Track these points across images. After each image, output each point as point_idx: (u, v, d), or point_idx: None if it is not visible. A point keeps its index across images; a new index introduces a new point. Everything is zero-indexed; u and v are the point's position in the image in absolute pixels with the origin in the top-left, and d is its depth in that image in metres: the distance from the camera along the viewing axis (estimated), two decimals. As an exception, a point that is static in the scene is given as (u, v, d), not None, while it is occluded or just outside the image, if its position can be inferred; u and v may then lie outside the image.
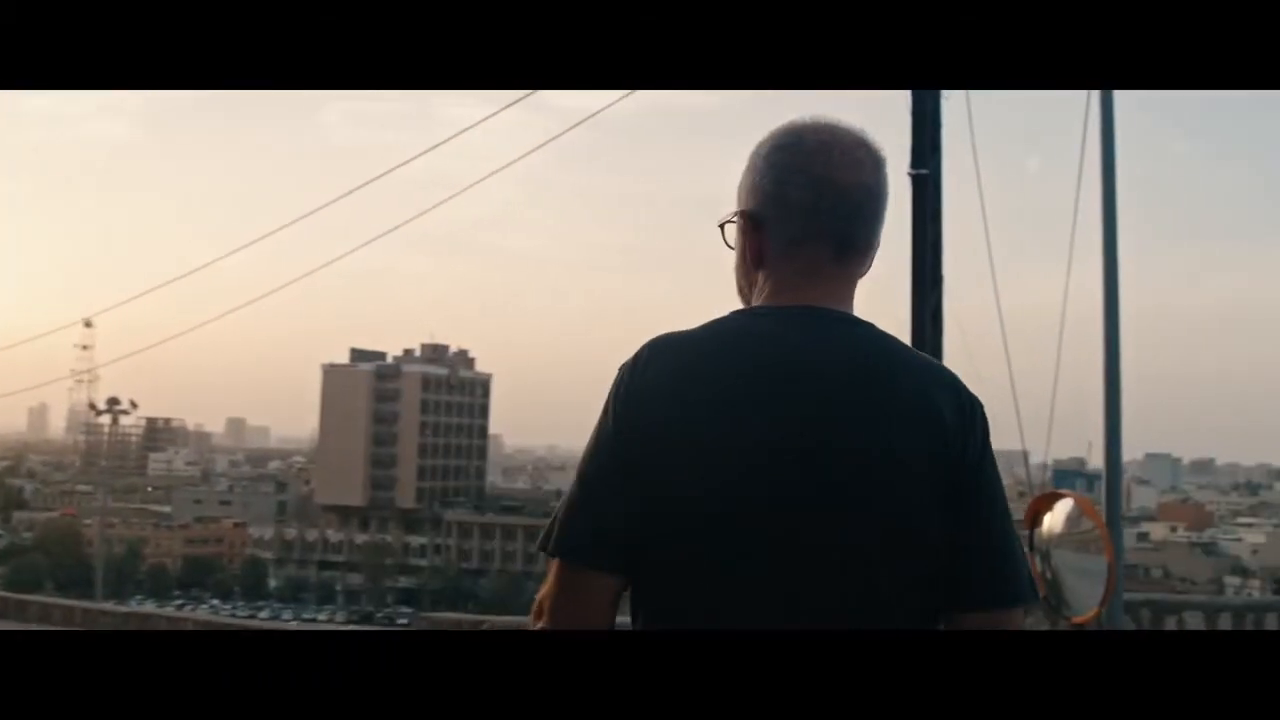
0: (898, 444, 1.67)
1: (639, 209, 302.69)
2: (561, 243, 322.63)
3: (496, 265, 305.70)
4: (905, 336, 3.41)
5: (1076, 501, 2.64)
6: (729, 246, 1.89)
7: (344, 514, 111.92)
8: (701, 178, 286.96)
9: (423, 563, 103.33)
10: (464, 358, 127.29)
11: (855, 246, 1.80)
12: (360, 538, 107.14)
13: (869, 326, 1.79)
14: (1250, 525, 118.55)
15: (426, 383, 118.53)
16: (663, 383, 1.68)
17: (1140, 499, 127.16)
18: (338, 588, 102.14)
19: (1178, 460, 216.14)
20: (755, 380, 1.67)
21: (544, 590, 1.70)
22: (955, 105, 7.83)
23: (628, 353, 1.73)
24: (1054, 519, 2.62)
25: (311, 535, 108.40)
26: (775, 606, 1.64)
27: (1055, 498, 2.68)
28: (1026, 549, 2.51)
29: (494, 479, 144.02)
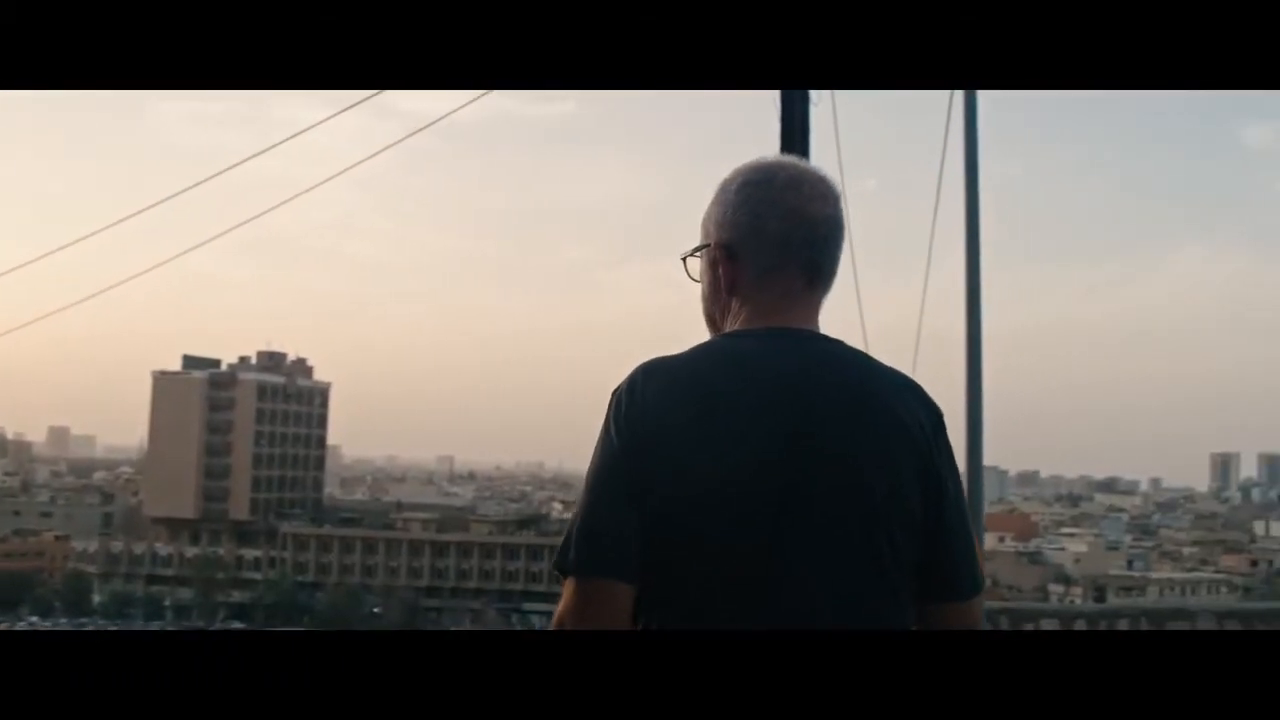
0: (881, 450, 1.81)
1: (485, 216, 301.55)
2: (405, 249, 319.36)
3: (337, 271, 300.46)
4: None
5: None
6: (691, 279, 2.03)
7: (174, 526, 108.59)
8: (549, 187, 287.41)
9: (257, 576, 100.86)
10: (302, 366, 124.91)
11: (823, 273, 1.95)
12: (191, 551, 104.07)
13: (840, 343, 1.93)
14: (1072, 535, 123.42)
15: (262, 391, 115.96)
16: (662, 401, 1.79)
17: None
18: (166, 603, 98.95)
19: (1004, 472, 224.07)
20: (746, 395, 1.80)
21: (563, 609, 1.77)
22: (822, 112, 7.77)
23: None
24: None
25: (139, 548, 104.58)
26: (775, 606, 1.75)
27: None
28: None
29: (332, 490, 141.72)
